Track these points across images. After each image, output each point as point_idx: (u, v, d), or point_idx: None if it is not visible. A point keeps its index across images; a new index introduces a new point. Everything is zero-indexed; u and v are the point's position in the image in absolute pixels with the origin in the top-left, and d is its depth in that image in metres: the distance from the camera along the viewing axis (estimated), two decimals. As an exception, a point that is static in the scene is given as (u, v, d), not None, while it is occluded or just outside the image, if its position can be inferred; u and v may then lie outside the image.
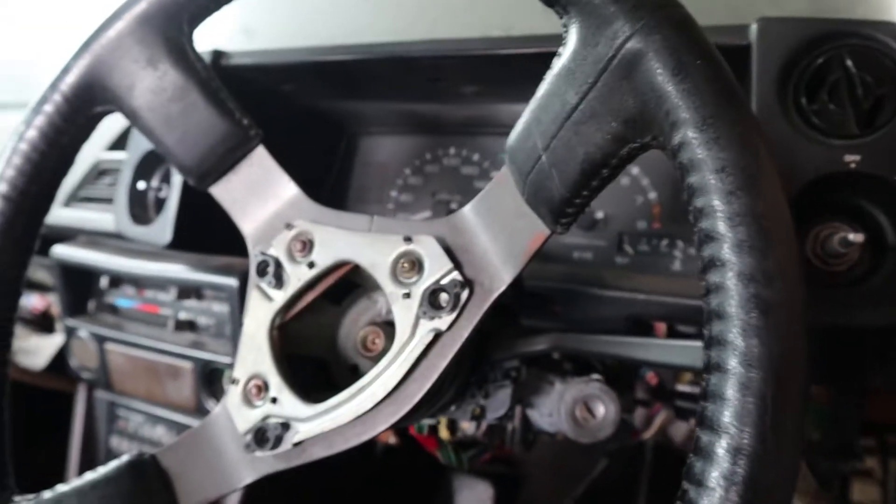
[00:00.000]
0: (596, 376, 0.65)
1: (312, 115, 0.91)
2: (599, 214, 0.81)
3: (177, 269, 0.92)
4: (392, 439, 1.10)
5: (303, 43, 0.82)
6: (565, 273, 0.70)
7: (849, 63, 0.52)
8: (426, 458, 0.92)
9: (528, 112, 0.43)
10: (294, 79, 0.79)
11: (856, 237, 0.50)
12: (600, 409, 0.64)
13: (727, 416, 0.31)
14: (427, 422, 0.68)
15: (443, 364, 0.48)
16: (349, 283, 0.58)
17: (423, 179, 0.90)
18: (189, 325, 0.96)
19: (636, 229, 0.80)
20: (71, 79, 0.55)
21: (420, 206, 0.90)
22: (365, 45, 0.70)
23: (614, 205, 0.81)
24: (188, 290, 0.95)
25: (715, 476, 0.30)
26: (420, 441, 0.74)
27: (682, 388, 0.74)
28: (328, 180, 0.93)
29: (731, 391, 0.31)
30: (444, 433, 0.83)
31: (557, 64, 0.41)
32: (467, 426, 0.75)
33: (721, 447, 0.31)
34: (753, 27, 0.55)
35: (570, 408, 0.64)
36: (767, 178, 0.32)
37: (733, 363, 0.31)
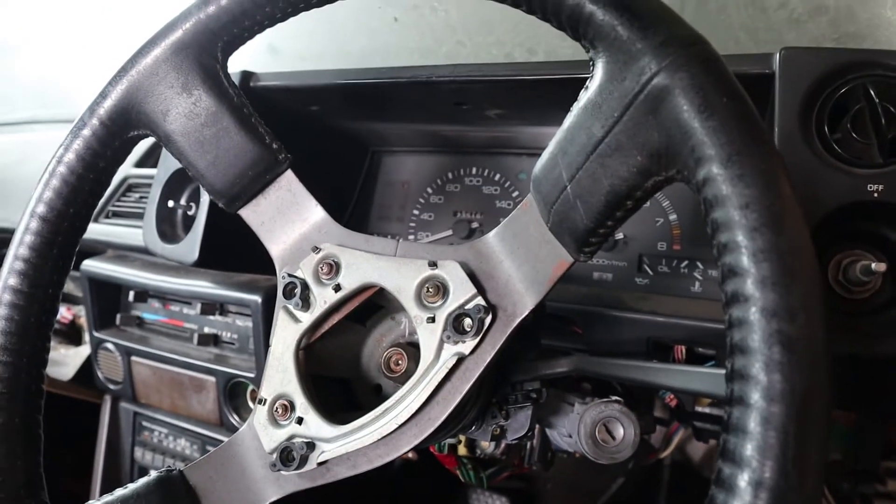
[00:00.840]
0: (615, 398, 0.65)
1: (337, 134, 0.93)
2: (620, 235, 0.81)
3: (202, 285, 0.94)
4: (410, 454, 1.11)
5: (328, 62, 0.84)
6: (586, 295, 0.70)
7: (872, 93, 0.52)
8: (444, 474, 0.93)
9: (554, 143, 0.44)
10: (321, 100, 0.81)
11: (878, 266, 0.50)
12: (620, 431, 0.64)
13: (749, 450, 0.31)
14: (450, 441, 0.69)
15: (465, 387, 0.49)
16: (373, 304, 0.59)
17: (444, 198, 0.91)
18: (213, 340, 0.97)
19: (656, 251, 0.80)
20: (108, 103, 0.57)
21: (441, 224, 0.91)
22: (391, 69, 0.71)
23: (635, 226, 0.81)
24: (212, 306, 0.96)
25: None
26: (440, 459, 0.74)
27: (702, 409, 0.74)
28: (351, 198, 0.95)
29: (753, 425, 0.31)
30: (462, 450, 0.84)
31: (584, 97, 0.42)
32: (487, 445, 0.76)
33: (743, 480, 0.31)
34: (777, 56, 0.55)
35: (589, 430, 0.64)
36: (791, 216, 0.33)
37: (756, 397, 0.31)
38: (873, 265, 0.50)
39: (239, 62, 0.89)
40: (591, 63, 0.42)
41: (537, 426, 0.77)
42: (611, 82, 0.40)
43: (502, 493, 1.33)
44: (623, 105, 0.39)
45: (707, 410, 0.74)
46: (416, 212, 0.93)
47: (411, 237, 0.93)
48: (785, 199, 0.33)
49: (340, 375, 0.60)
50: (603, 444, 0.65)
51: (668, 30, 0.38)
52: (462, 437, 0.66)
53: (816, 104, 0.54)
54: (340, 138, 0.93)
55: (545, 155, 0.44)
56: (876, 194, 0.51)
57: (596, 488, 1.25)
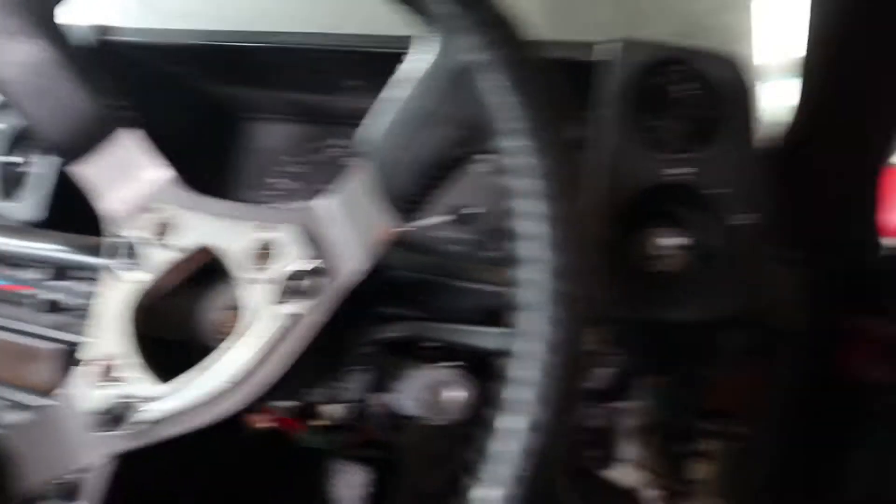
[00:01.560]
0: (456, 363, 0.69)
1: (201, 98, 0.90)
2: (474, 210, 0.85)
3: (40, 247, 0.88)
4: (264, 424, 1.11)
5: (202, 23, 0.81)
6: (431, 264, 0.73)
7: (682, 87, 0.58)
8: (297, 444, 0.94)
9: (381, 108, 0.46)
10: (181, 61, 0.78)
11: (671, 241, 0.56)
12: (458, 393, 0.67)
13: (517, 396, 0.35)
14: (286, 404, 0.70)
15: (295, 349, 0.50)
16: (211, 267, 0.59)
17: (312, 168, 0.91)
18: (53, 306, 0.92)
19: (507, 226, 0.84)
20: None
21: (300, 194, 0.91)
22: (245, 33, 0.70)
23: (489, 202, 0.85)
24: (52, 270, 0.91)
25: (503, 450, 0.34)
26: (281, 424, 0.75)
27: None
28: (213, 164, 0.92)
29: (521, 373, 0.35)
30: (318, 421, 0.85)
31: (408, 68, 0.44)
32: (332, 410, 0.77)
33: (509, 423, 0.35)
34: (598, 47, 0.60)
35: (429, 391, 0.67)
36: (567, 185, 0.36)
37: (531, 350, 0.35)
38: (668, 239, 0.56)
39: (108, 17, 0.85)
40: (420, 36, 0.44)
41: (385, 393, 0.79)
42: (434, 55, 0.42)
43: (364, 463, 1.35)
44: (444, 78, 0.41)
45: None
46: (278, 181, 0.92)
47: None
48: (573, 172, 0.37)
49: (174, 337, 0.59)
50: (442, 405, 0.69)
51: (481, 10, 0.41)
52: (300, 402, 0.67)
53: (633, 94, 0.59)
54: (204, 102, 0.90)
55: (373, 119, 0.46)
56: (677, 176, 0.56)
57: (452, 455, 1.30)
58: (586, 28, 1.02)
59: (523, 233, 0.37)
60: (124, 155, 0.56)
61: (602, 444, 1.32)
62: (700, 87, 0.58)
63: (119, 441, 0.52)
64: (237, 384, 0.50)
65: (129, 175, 0.56)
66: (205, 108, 0.92)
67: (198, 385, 0.50)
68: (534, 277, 0.35)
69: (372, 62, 0.71)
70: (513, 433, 0.34)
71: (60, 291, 0.93)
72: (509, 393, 0.35)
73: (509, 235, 0.37)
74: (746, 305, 0.56)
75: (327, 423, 0.85)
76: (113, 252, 0.54)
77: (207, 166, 0.93)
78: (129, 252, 0.53)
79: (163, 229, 0.54)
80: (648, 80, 0.60)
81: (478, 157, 0.43)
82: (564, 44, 0.62)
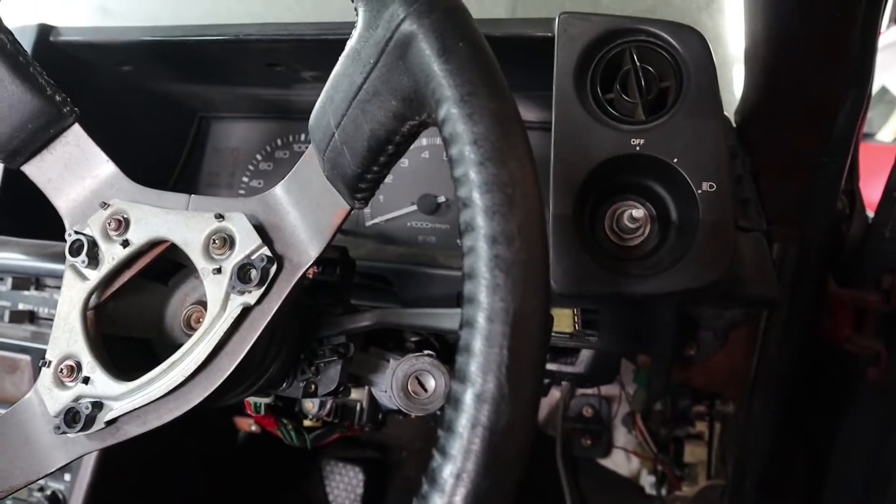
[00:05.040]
0: (428, 352, 0.68)
1: (159, 98, 0.89)
2: (442, 199, 0.84)
3: (12, 258, 0.87)
4: (255, 427, 1.10)
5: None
6: (403, 254, 0.72)
7: (635, 57, 0.57)
8: (295, 448, 0.93)
9: (324, 91, 0.45)
10: (132, 59, 0.77)
11: (637, 212, 0.55)
12: (431, 383, 0.67)
13: (473, 367, 0.33)
14: (263, 401, 0.69)
15: (253, 337, 0.49)
16: (176, 264, 0.58)
17: (273, 165, 0.90)
18: (28, 316, 0.91)
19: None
20: None
21: (272, 191, 0.90)
22: (198, 27, 0.69)
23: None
24: (26, 280, 0.90)
25: (462, 423, 0.33)
26: (257, 420, 0.74)
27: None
28: (178, 165, 0.92)
29: (477, 344, 0.34)
30: (308, 422, 0.84)
31: (348, 45, 0.43)
32: (311, 406, 0.77)
33: (468, 396, 0.33)
34: (556, 20, 0.59)
35: (401, 382, 0.66)
36: (514, 150, 0.35)
37: (480, 319, 0.34)
38: (634, 211, 0.55)
39: (67, 22, 0.84)
40: (355, 12, 0.43)
41: (362, 387, 0.79)
42: (367, 30, 0.41)
43: (356, 464, 1.34)
44: (377, 51, 0.40)
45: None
46: (245, 179, 0.91)
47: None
48: (510, 135, 0.36)
49: (140, 335, 0.58)
50: (414, 395, 0.68)
51: None
52: (273, 395, 0.66)
53: (590, 66, 0.58)
54: (163, 102, 0.90)
55: (317, 104, 0.45)
56: (638, 147, 0.56)
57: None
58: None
59: (462, 200, 0.36)
60: (74, 152, 0.55)
61: (596, 432, 1.32)
62: (661, 56, 0.57)
63: (86, 443, 0.51)
64: (200, 378, 0.49)
65: (80, 172, 0.55)
66: (167, 109, 0.91)
67: (161, 382, 0.49)
68: (473, 244, 0.34)
69: (328, 50, 0.70)
70: (461, 403, 0.33)
71: (35, 301, 0.92)
72: (458, 362, 0.34)
73: (459, 204, 0.36)
74: (718, 276, 0.55)
75: (310, 420, 0.84)
76: (72, 250, 0.53)
77: (176, 166, 0.92)
78: (89, 249, 0.53)
79: (119, 225, 0.53)
80: (601, 51, 0.59)
81: (423, 129, 0.42)
82: (526, 20, 0.61)
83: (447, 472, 0.33)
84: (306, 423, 0.91)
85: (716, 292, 0.57)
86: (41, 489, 0.92)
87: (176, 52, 0.74)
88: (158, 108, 0.89)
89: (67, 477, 0.92)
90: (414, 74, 0.39)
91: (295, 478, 1.35)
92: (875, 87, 2.96)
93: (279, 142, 0.89)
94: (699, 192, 0.55)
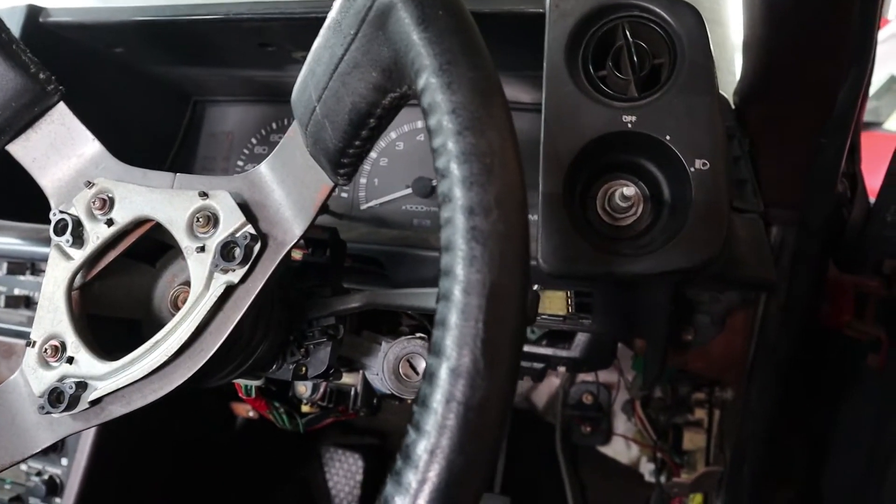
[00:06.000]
0: (420, 335, 0.67)
1: (153, 81, 0.89)
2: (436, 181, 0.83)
3: (7, 242, 0.87)
4: (252, 413, 1.10)
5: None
6: (394, 237, 0.71)
7: (627, 33, 0.56)
8: (295, 435, 0.92)
9: (305, 64, 0.44)
10: (122, 41, 0.77)
11: (628, 190, 0.54)
12: (422, 366, 0.66)
13: (448, 341, 0.33)
14: (253, 383, 0.68)
15: (237, 316, 0.48)
16: (164, 244, 0.57)
17: (268, 148, 0.90)
18: (24, 301, 0.91)
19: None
20: None
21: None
22: (187, 6, 0.69)
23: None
24: (21, 265, 0.90)
25: (437, 398, 0.32)
26: (249, 403, 0.74)
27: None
28: (172, 148, 0.91)
29: (452, 318, 0.33)
30: (305, 407, 0.83)
31: (329, 17, 0.42)
32: (304, 390, 0.76)
33: (443, 370, 0.33)
34: (550, -2, 0.58)
35: (392, 365, 0.66)
36: (494, 119, 0.35)
37: (456, 292, 0.33)
38: (625, 190, 0.54)
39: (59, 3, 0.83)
40: None
41: (361, 372, 0.78)
42: (347, 0, 0.40)
43: (356, 450, 1.34)
44: (357, 21, 0.39)
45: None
46: (240, 163, 0.91)
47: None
48: (489, 105, 0.35)
49: (127, 316, 0.58)
50: (406, 378, 0.67)
51: None
52: (263, 378, 0.66)
53: (582, 42, 0.57)
54: (158, 85, 0.89)
55: (299, 78, 0.45)
56: (630, 125, 0.55)
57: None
58: None
59: (440, 171, 0.35)
60: (60, 131, 0.55)
61: (596, 419, 1.31)
62: (654, 32, 0.56)
63: (71, 423, 0.51)
64: (184, 358, 0.49)
65: (66, 151, 0.55)
66: (162, 92, 0.90)
67: (144, 361, 0.49)
68: (451, 216, 0.33)
69: (317, 28, 0.70)
70: (435, 377, 0.33)
71: (31, 286, 0.92)
72: (434, 335, 0.34)
73: (437, 175, 0.35)
74: (711, 256, 0.54)
75: (307, 405, 0.84)
76: (57, 229, 0.53)
77: (171, 150, 0.91)
78: (74, 228, 0.52)
79: (103, 204, 0.52)
80: (593, 27, 0.58)
81: (404, 102, 0.41)
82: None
83: (421, 447, 0.32)
84: (304, 408, 0.90)
85: (709, 273, 0.56)
86: (38, 473, 0.92)
87: (167, 32, 0.73)
88: (153, 92, 0.89)
89: (65, 461, 0.92)
90: (394, 44, 0.38)
91: (294, 464, 1.35)
92: (884, 77, 2.92)
93: (274, 125, 0.89)
94: (692, 170, 0.54)
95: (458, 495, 0.32)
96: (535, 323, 0.73)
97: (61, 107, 0.55)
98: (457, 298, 0.33)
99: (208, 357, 0.49)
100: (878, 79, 2.89)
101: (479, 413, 0.32)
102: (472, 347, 0.32)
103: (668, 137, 0.54)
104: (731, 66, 0.84)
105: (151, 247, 0.58)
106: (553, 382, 1.34)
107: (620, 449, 1.32)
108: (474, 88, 0.35)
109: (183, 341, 0.48)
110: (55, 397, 0.50)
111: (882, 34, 3.04)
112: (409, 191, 0.83)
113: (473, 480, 0.33)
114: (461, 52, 0.36)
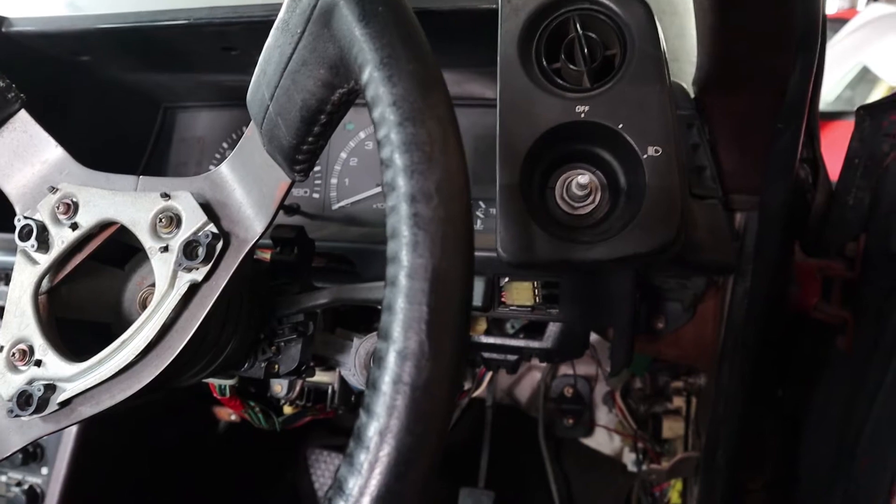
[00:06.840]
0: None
1: (123, 89, 0.89)
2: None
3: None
4: (234, 416, 1.10)
5: None
6: (363, 234, 0.72)
7: (577, 25, 0.57)
8: (279, 438, 0.93)
9: (258, 65, 0.45)
10: (88, 49, 0.77)
11: (583, 178, 0.56)
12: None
13: (395, 326, 0.34)
14: (227, 382, 0.69)
15: (202, 314, 0.49)
16: (131, 247, 0.58)
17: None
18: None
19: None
20: None
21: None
22: (150, 12, 0.69)
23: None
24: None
25: (385, 380, 0.33)
26: (224, 403, 0.75)
27: (483, 339, 0.79)
28: (144, 155, 0.92)
29: (398, 303, 0.34)
30: (287, 409, 0.84)
31: (278, 17, 0.43)
32: (279, 389, 0.77)
33: (391, 354, 0.34)
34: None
35: (363, 360, 0.67)
36: (434, 110, 0.36)
37: (401, 277, 0.34)
38: (580, 178, 0.56)
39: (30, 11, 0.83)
40: None
41: (338, 370, 0.79)
42: (293, 0, 0.41)
43: (341, 451, 1.34)
44: (304, 20, 0.41)
45: (489, 340, 0.79)
46: (212, 167, 0.91)
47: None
48: (428, 96, 0.36)
49: (97, 319, 0.59)
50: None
51: None
52: (236, 377, 0.67)
53: (535, 36, 0.59)
54: (127, 93, 0.90)
55: (253, 78, 0.46)
56: (583, 114, 0.56)
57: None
58: None
59: (384, 161, 0.36)
60: (22, 137, 0.56)
61: (578, 412, 1.33)
62: (605, 24, 0.58)
63: (41, 425, 0.51)
64: (151, 356, 0.50)
65: (29, 157, 0.56)
66: (131, 100, 0.91)
67: (112, 361, 0.50)
68: (395, 204, 0.35)
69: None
70: (384, 361, 0.34)
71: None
72: (382, 321, 0.35)
73: (381, 166, 0.36)
74: (666, 240, 0.56)
75: (288, 406, 0.85)
76: (21, 234, 0.53)
77: (143, 156, 0.92)
78: (39, 233, 0.53)
79: (67, 208, 0.53)
80: (546, 21, 0.59)
81: (353, 98, 0.42)
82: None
83: (372, 429, 0.33)
84: (286, 410, 0.91)
85: (668, 258, 0.58)
86: (19, 484, 0.93)
87: (131, 39, 0.74)
88: (122, 99, 0.89)
89: (45, 471, 0.92)
90: (339, 41, 0.39)
91: (279, 467, 1.36)
92: (856, 67, 2.96)
93: (244, 129, 0.89)
94: (645, 156, 0.55)
95: (408, 473, 0.33)
96: (502, 314, 0.74)
97: (23, 114, 0.56)
98: (402, 283, 0.34)
99: (175, 354, 0.49)
100: (850, 69, 2.94)
101: (425, 393, 0.33)
102: (416, 330, 0.34)
103: (620, 126, 0.56)
104: (690, 56, 0.85)
105: (121, 250, 0.58)
106: (535, 377, 1.36)
107: (603, 440, 1.33)
108: (414, 80, 0.36)
109: (149, 340, 0.49)
110: (24, 400, 0.51)
111: (851, 24, 3.08)
112: (380, 189, 0.84)
113: (423, 459, 0.34)
114: (401, 45, 0.37)
